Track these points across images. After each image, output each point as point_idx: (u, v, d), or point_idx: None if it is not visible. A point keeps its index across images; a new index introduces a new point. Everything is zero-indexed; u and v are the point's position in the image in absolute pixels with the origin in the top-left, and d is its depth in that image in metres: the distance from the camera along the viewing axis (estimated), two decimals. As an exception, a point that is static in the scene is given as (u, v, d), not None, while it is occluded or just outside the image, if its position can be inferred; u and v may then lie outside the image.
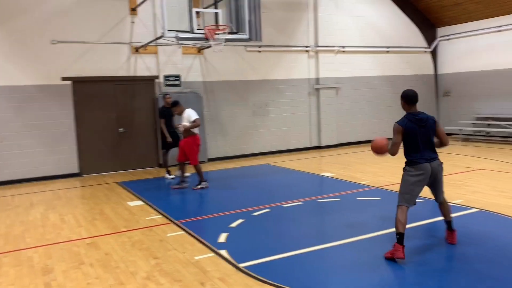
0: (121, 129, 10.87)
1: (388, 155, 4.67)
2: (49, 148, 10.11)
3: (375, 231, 5.31)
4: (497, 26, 13.44)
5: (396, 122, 4.56)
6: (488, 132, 13.83)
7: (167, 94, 9.75)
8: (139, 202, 7.53)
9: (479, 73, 14.20)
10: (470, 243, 4.77)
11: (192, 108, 9.34)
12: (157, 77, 11.13)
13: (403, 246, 4.32)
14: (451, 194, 6.90)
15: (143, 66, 11.00)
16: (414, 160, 4.52)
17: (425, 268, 4.20)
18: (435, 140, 4.64)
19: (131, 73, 10.88)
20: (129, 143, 10.98)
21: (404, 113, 4.63)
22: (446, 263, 4.45)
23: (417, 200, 4.63)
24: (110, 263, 4.71)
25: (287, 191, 7.96)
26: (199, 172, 8.29)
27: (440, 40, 15.40)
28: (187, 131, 8.11)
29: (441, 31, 15.38)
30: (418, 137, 4.50)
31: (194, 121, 8.06)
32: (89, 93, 10.51)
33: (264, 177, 9.63)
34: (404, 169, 4.64)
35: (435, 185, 4.66)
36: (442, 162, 4.66)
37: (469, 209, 6.09)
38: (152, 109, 11.17)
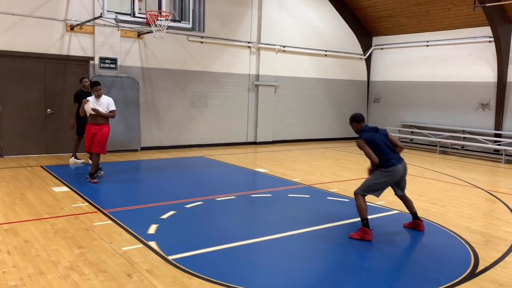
0: (49, 110, 10.27)
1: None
2: (-35, 124, 9.33)
3: (304, 227, 5.50)
4: (426, 41, 14.41)
5: (357, 139, 5.23)
6: (411, 139, 14.81)
7: (84, 77, 9.43)
8: (65, 188, 7.18)
9: (407, 83, 15.15)
10: (386, 242, 5.11)
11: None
12: (92, 58, 10.64)
13: (371, 229, 5.06)
14: (374, 196, 7.31)
15: (77, 46, 10.46)
16: (388, 163, 5.10)
17: (334, 264, 4.44)
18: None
19: (64, 52, 10.29)
20: (57, 125, 10.40)
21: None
22: (364, 259, 4.73)
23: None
24: (30, 251, 4.46)
25: (221, 185, 7.99)
26: (98, 161, 7.88)
27: (375, 49, 16.20)
28: (103, 118, 7.70)
29: (376, 40, 16.18)
30: (379, 142, 5.14)
31: (112, 111, 7.75)
32: (15, 69, 9.81)
33: (199, 169, 9.59)
34: (379, 169, 5.17)
35: (402, 181, 5.36)
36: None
37: (390, 210, 6.50)
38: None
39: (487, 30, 12.67)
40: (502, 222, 6.11)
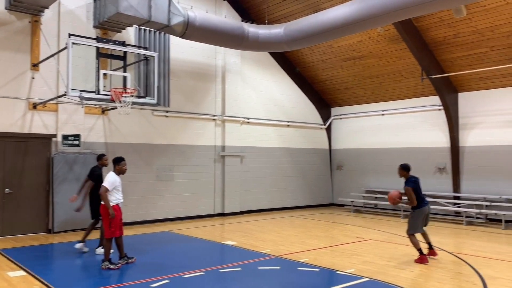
0: (8, 189, 9.88)
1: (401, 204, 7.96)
2: None
3: (274, 302, 5.34)
4: (382, 110, 15.23)
5: (406, 186, 7.57)
6: (376, 205, 15.07)
7: (104, 155, 8.70)
8: (21, 273, 6.74)
9: (367, 150, 15.73)
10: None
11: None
12: (55, 135, 10.52)
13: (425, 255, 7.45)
14: (344, 263, 7.28)
15: (40, 124, 10.37)
16: (421, 204, 7.59)
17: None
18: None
19: (26, 130, 10.16)
20: (15, 205, 9.96)
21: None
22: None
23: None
24: None
25: (188, 261, 7.74)
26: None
27: (334, 119, 16.93)
28: None
29: (334, 110, 16.97)
30: (418, 189, 7.62)
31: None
32: (-27, 148, 9.54)
33: (165, 245, 9.29)
34: (413, 211, 7.63)
35: (427, 220, 7.75)
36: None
37: (360, 278, 6.45)
38: (46, 169, 10.40)
39: (436, 99, 13.55)
40: (469, 285, 6.17)
